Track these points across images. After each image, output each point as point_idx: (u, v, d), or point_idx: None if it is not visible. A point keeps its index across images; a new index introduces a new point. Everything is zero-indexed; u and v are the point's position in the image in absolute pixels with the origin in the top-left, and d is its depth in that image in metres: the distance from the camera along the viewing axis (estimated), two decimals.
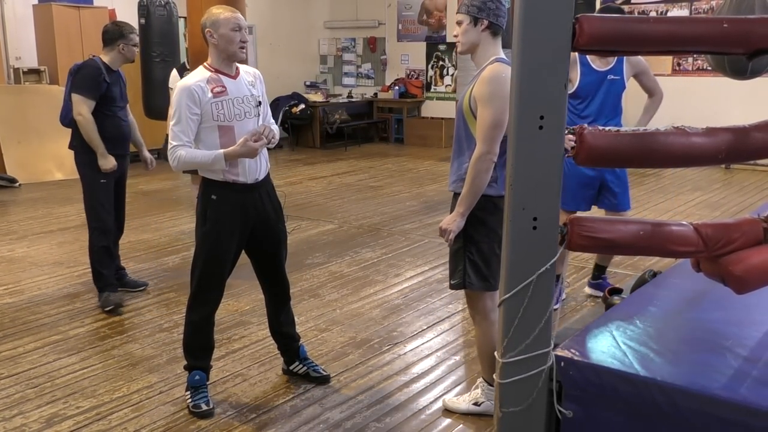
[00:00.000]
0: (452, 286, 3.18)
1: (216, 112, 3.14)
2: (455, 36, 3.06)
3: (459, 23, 3.02)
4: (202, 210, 3.28)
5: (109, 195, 4.61)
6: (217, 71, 3.20)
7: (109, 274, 4.68)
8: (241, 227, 3.29)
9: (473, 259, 3.06)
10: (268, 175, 3.42)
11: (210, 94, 3.14)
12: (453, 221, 3.00)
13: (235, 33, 3.15)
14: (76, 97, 4.44)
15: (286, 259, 3.56)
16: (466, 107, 3.01)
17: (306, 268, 5.48)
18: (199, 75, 3.19)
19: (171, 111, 3.19)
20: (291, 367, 3.67)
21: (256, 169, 3.28)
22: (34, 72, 9.61)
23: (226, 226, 3.25)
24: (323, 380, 3.61)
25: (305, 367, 3.64)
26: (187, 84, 3.14)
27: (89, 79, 4.45)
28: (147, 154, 4.94)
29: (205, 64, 3.24)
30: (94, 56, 4.64)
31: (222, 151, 3.14)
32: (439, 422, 3.25)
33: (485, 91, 2.88)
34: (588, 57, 4.18)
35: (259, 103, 3.30)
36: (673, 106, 10.09)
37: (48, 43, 9.62)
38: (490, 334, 3.12)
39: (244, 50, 3.22)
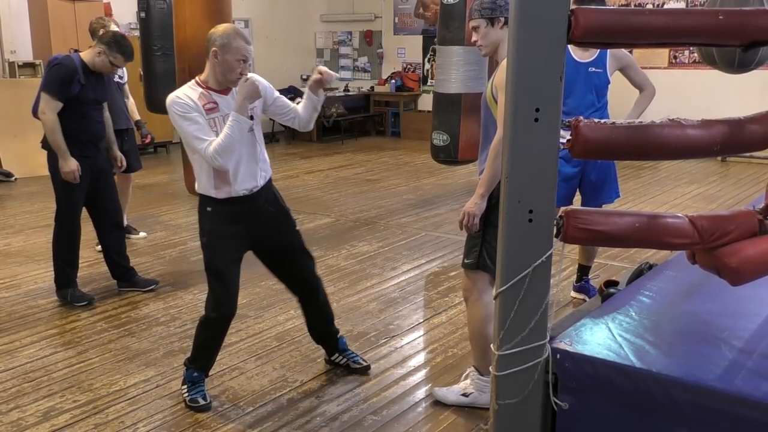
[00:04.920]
0: (466, 266, 3.19)
1: (210, 129, 3.12)
2: (475, 42, 3.10)
3: (476, 29, 3.07)
4: (200, 223, 3.30)
5: (79, 196, 4.53)
6: (208, 88, 3.16)
7: (72, 273, 4.64)
8: (238, 238, 3.28)
9: (490, 242, 3.08)
10: (270, 182, 3.37)
11: (203, 110, 3.11)
12: (475, 204, 3.03)
13: (239, 64, 3.10)
14: (43, 96, 4.31)
15: (311, 264, 3.53)
16: (489, 96, 3.06)
17: None
18: (189, 90, 3.13)
19: (179, 125, 3.10)
20: (332, 358, 3.71)
21: (250, 178, 3.24)
22: (29, 66, 9.57)
23: (221, 237, 3.25)
24: (364, 370, 3.64)
25: (345, 359, 3.67)
26: (178, 95, 3.10)
27: (58, 80, 4.29)
28: (117, 153, 4.82)
29: (197, 79, 3.18)
30: (74, 52, 4.49)
31: (232, 112, 3.09)
32: (435, 415, 3.26)
33: (503, 78, 2.92)
34: (569, 47, 4.04)
35: (251, 117, 3.20)
36: (669, 99, 10.12)
37: (43, 37, 9.58)
38: (482, 316, 3.14)
39: (240, 79, 3.14)
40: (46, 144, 4.46)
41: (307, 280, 3.54)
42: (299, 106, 3.39)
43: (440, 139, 7.37)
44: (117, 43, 4.35)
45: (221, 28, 3.16)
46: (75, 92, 4.33)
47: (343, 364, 3.67)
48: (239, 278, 3.35)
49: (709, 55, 3.60)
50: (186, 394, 3.34)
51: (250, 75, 3.14)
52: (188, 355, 3.44)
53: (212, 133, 3.10)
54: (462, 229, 3.09)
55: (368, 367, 3.67)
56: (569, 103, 4.03)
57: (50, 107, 4.29)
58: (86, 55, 4.41)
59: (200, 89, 3.15)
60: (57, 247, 4.63)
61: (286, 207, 3.46)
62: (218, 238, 3.25)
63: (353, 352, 3.71)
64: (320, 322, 3.65)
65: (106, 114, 4.72)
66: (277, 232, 3.39)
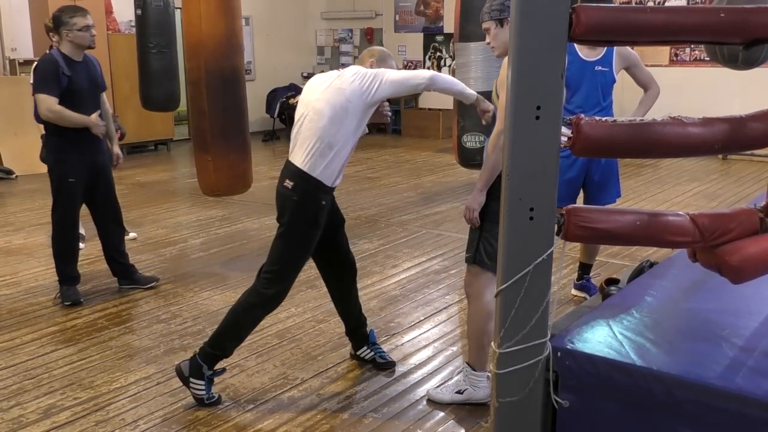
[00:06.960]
0: (466, 259, 3.25)
1: None
2: (488, 43, 3.13)
3: (487, 30, 3.10)
4: (313, 214, 3.21)
5: (77, 193, 4.50)
6: None
7: (69, 270, 4.62)
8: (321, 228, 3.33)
9: (488, 237, 3.10)
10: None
11: None
12: (474, 199, 3.07)
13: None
14: (38, 97, 4.33)
15: (347, 241, 3.61)
16: (493, 93, 3.11)
17: None
18: None
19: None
20: (358, 353, 3.72)
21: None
22: (30, 63, 9.53)
23: (319, 229, 3.29)
24: (388, 366, 3.66)
25: (372, 353, 3.69)
26: None
27: (45, 76, 4.34)
28: (116, 150, 4.81)
29: None
30: (52, 49, 4.51)
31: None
32: (436, 412, 3.26)
33: (505, 73, 2.94)
34: (575, 45, 3.96)
35: None
36: (670, 97, 10.06)
37: (44, 34, 9.46)
38: (483, 312, 3.16)
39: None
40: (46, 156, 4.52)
41: (345, 257, 3.59)
42: None
43: (475, 140, 7.02)
44: (62, 15, 4.49)
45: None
46: (65, 84, 4.35)
47: (369, 358, 3.69)
48: None
49: (732, 54, 3.53)
50: (204, 393, 3.27)
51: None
52: (201, 349, 3.30)
53: None
54: (468, 224, 3.14)
55: (393, 364, 3.68)
56: (575, 102, 4.07)
57: (47, 104, 4.30)
58: (63, 47, 4.44)
59: None
60: (53, 244, 4.64)
61: None
62: (317, 230, 3.27)
63: (381, 347, 3.73)
64: (353, 307, 3.67)
65: (107, 108, 4.70)
66: (337, 222, 3.51)
